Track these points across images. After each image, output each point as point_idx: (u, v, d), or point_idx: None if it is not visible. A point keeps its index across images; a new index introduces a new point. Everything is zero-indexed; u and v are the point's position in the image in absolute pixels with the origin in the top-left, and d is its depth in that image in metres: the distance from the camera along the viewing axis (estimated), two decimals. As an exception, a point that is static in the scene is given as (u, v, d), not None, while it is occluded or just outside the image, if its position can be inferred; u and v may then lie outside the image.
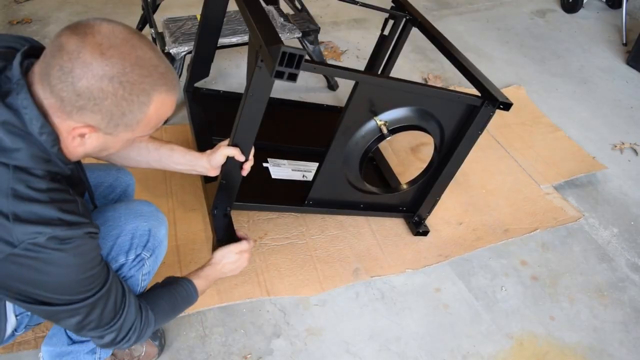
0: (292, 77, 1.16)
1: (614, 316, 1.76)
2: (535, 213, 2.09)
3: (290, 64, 1.14)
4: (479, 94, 1.58)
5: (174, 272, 1.58)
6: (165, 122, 2.08)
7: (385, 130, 1.54)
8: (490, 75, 3.02)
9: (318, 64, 1.35)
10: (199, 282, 1.20)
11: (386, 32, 2.01)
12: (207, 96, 2.11)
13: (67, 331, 1.18)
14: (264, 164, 1.87)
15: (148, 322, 1.02)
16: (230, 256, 1.29)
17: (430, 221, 1.91)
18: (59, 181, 0.83)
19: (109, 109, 0.79)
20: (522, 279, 1.83)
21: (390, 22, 1.97)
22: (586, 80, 3.07)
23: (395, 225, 1.91)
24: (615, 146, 2.57)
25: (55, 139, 0.81)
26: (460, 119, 1.61)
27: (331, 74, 1.37)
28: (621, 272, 1.92)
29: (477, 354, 1.57)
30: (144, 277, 1.18)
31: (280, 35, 2.25)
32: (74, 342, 1.17)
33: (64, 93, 0.77)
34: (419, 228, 1.87)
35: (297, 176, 1.87)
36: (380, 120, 1.53)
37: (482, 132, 1.61)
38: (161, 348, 1.41)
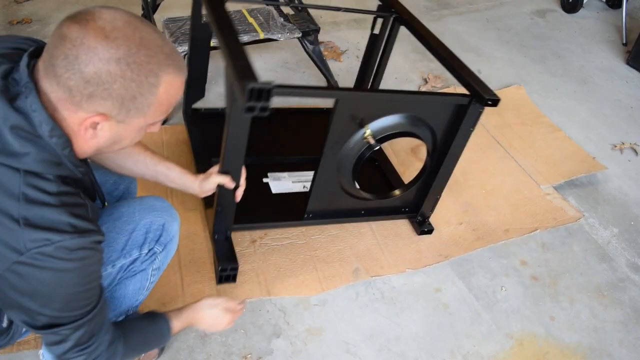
0: (264, 110, 1.16)
1: (614, 316, 1.76)
2: (535, 213, 2.09)
3: (260, 98, 1.14)
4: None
5: (173, 272, 1.59)
6: (165, 122, 2.08)
7: (372, 141, 1.54)
8: (490, 75, 3.04)
9: (293, 88, 1.34)
10: (176, 324, 1.15)
11: (376, 31, 2.00)
12: (206, 116, 2.09)
13: None
14: (264, 180, 1.87)
15: (114, 354, 0.97)
16: (215, 311, 1.22)
17: (430, 221, 1.91)
18: (69, 184, 0.82)
19: (118, 93, 0.77)
20: (522, 279, 1.83)
21: (380, 20, 1.96)
22: (586, 80, 3.07)
23: (395, 225, 1.91)
24: (615, 146, 2.57)
25: (66, 141, 0.80)
26: (450, 119, 1.60)
27: (308, 95, 1.37)
28: (621, 272, 1.92)
29: (477, 354, 1.57)
30: (153, 272, 1.18)
31: (280, 35, 2.25)
32: None
33: (72, 82, 0.75)
34: (423, 227, 1.87)
35: (297, 188, 1.86)
36: (367, 131, 1.52)
37: (473, 129, 1.61)
38: (161, 348, 1.41)
